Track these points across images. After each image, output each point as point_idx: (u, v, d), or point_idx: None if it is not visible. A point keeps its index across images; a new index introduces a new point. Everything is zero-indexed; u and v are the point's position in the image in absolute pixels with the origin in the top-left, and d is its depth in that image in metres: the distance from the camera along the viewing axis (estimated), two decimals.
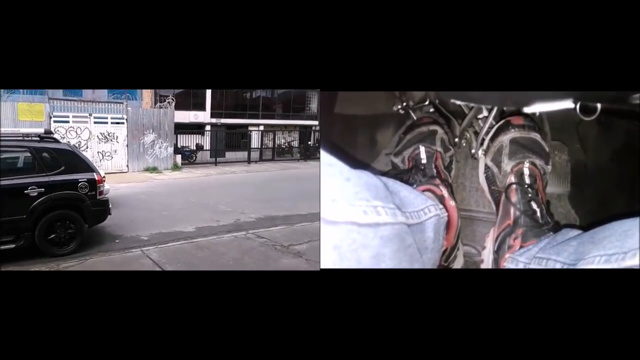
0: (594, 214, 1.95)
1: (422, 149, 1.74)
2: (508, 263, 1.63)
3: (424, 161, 1.73)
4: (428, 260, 1.35)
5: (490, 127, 1.85)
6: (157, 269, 3.39)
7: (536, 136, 1.79)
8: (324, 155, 1.02)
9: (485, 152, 1.83)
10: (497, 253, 1.70)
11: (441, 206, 1.42)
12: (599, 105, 1.55)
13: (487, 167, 1.84)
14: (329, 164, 0.99)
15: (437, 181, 1.63)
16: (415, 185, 1.60)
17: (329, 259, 0.91)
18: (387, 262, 1.02)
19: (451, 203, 1.59)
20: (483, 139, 1.84)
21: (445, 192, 1.58)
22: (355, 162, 1.06)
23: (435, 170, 1.71)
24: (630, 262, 0.99)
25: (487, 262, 1.81)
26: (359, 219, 0.94)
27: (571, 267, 1.31)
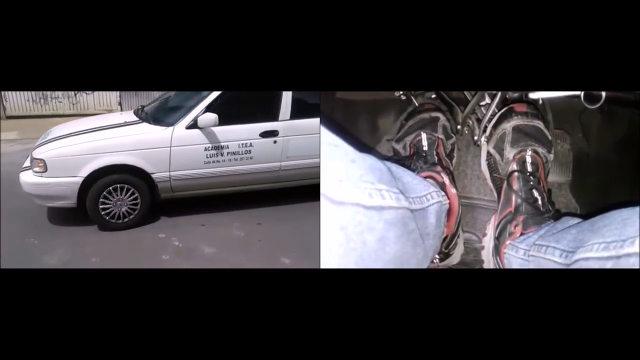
0: (595, 203, 1.95)
1: (423, 136, 1.73)
2: (508, 250, 1.64)
3: (425, 148, 1.73)
4: (430, 247, 1.35)
5: (493, 115, 1.84)
6: None
7: (539, 124, 1.78)
8: (326, 134, 1.00)
9: (488, 140, 1.83)
10: (498, 240, 1.70)
11: (443, 193, 1.42)
12: (603, 93, 1.54)
13: (489, 155, 1.84)
14: (334, 145, 0.98)
15: (439, 168, 1.63)
16: (416, 172, 1.59)
17: (336, 241, 0.90)
18: (391, 246, 1.01)
19: (452, 190, 1.59)
20: (485, 126, 1.83)
21: (446, 180, 1.58)
22: (358, 144, 1.05)
23: (436, 158, 1.70)
24: (628, 250, 1.00)
25: (487, 249, 1.81)
26: (365, 201, 0.94)
27: (569, 255, 1.31)
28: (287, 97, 3.48)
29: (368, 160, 1.03)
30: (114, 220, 3.20)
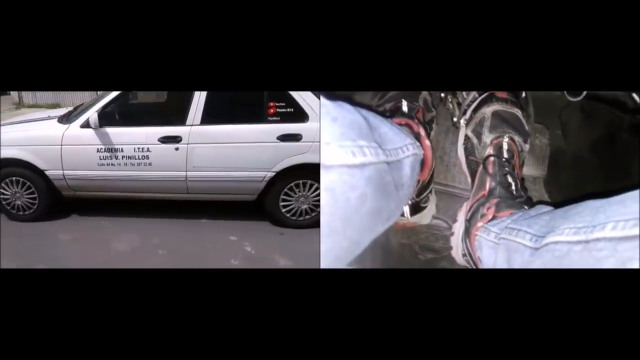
0: (568, 201, 1.95)
1: (404, 102, 1.72)
2: (480, 232, 1.62)
3: (405, 111, 1.71)
4: (403, 196, 1.34)
5: (474, 100, 1.83)
6: None
7: (517, 112, 1.78)
8: (322, 99, 1.03)
9: (467, 123, 1.81)
10: (469, 222, 1.68)
11: (418, 144, 1.41)
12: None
13: (467, 138, 1.83)
14: (323, 105, 1.00)
15: (416, 120, 1.62)
16: (393, 118, 1.58)
17: (326, 201, 0.93)
18: (369, 201, 1.02)
19: (427, 142, 1.59)
20: (465, 110, 1.82)
21: (422, 131, 1.58)
22: (336, 96, 1.06)
23: (415, 119, 1.70)
24: (597, 234, 0.99)
25: (457, 235, 1.79)
26: (348, 161, 0.95)
27: (540, 239, 1.30)
28: (199, 98, 3.13)
29: (348, 115, 1.04)
30: (14, 211, 3.33)
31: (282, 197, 3.27)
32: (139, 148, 3.13)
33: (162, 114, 3.32)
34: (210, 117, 3.15)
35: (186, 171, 3.18)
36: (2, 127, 3.41)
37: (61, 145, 3.15)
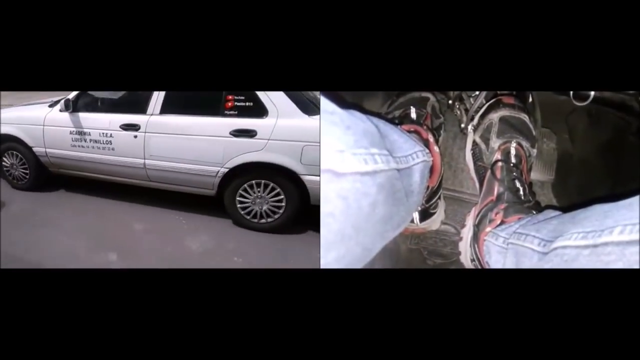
0: (575, 206, 1.95)
1: (412, 109, 1.74)
2: (489, 237, 1.63)
3: (414, 119, 1.73)
4: (413, 203, 1.35)
5: (481, 106, 1.84)
6: None
7: (525, 117, 1.79)
8: (324, 102, 1.02)
9: (475, 128, 1.83)
10: (478, 227, 1.69)
11: (427, 151, 1.42)
12: (592, 93, 1.56)
13: (475, 144, 1.84)
14: (330, 112, 0.99)
15: (424, 126, 1.64)
16: (402, 125, 1.60)
17: (338, 209, 0.93)
18: (380, 208, 1.03)
19: (435, 149, 1.60)
20: (473, 116, 1.83)
21: (430, 138, 1.59)
22: (348, 104, 1.06)
23: (424, 125, 1.71)
24: (605, 239, 0.99)
25: (465, 240, 1.80)
26: (361, 168, 0.96)
27: (548, 244, 1.30)
28: None
29: (360, 124, 1.05)
30: (15, 181, 3.79)
31: (238, 196, 3.11)
32: (103, 133, 3.33)
33: (130, 102, 3.33)
34: (169, 107, 3.15)
35: (144, 159, 3.23)
36: (8, 108, 3.89)
37: (43, 125, 3.52)
